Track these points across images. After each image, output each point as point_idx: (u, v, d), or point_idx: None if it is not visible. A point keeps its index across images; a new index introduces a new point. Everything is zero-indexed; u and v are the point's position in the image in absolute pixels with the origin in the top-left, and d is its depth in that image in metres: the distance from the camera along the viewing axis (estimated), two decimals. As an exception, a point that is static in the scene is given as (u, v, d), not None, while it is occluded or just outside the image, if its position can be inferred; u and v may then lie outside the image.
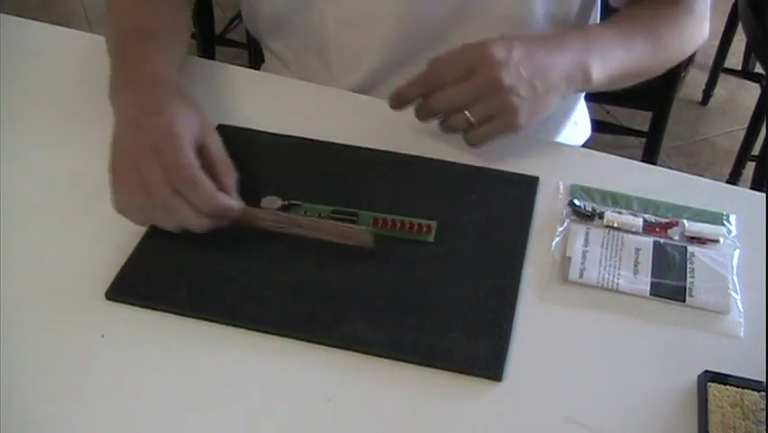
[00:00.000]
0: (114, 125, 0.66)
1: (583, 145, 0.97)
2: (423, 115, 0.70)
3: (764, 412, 0.54)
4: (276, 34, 0.90)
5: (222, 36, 1.89)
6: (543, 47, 0.69)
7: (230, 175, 0.64)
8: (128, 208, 0.62)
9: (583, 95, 0.95)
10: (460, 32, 0.80)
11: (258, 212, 0.64)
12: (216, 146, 0.65)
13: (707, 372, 0.57)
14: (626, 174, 0.69)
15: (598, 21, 0.89)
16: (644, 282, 0.63)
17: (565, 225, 0.67)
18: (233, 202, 0.62)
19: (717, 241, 0.66)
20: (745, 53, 2.04)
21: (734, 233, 0.67)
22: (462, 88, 0.66)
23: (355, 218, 0.66)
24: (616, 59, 0.73)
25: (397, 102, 0.70)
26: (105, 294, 0.61)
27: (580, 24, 0.78)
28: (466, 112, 0.66)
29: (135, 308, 0.60)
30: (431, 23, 0.80)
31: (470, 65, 0.66)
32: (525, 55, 0.67)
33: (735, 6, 1.75)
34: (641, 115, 1.30)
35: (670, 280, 0.63)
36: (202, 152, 0.63)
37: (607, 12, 0.87)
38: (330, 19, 0.82)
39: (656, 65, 0.78)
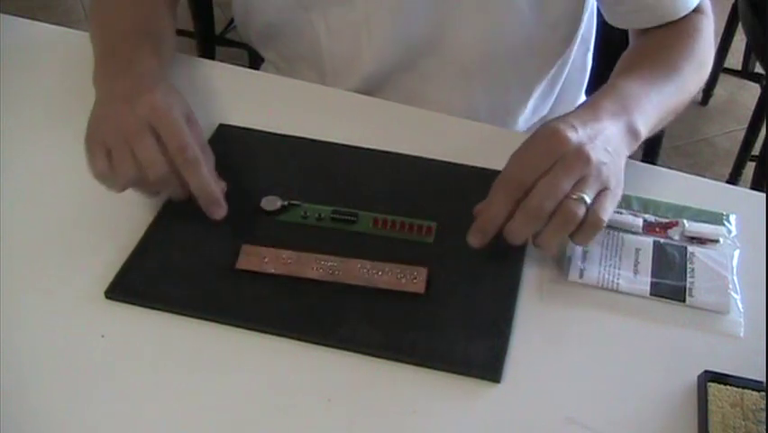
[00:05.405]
0: (96, 102, 0.67)
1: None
2: (527, 222, 0.59)
3: (764, 412, 0.54)
4: (269, 45, 0.90)
5: (222, 36, 1.89)
6: (590, 118, 0.64)
7: (210, 161, 0.65)
8: (112, 178, 0.63)
9: (583, 95, 0.95)
10: (450, 37, 0.80)
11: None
12: (198, 132, 0.66)
13: (707, 372, 0.57)
14: (626, 174, 0.68)
15: (593, 26, 0.89)
16: (644, 282, 0.63)
17: (565, 225, 0.67)
18: (222, 197, 0.63)
19: (717, 241, 0.66)
20: (745, 53, 2.04)
21: (734, 233, 0.67)
22: (560, 174, 0.59)
23: (355, 218, 0.66)
24: (652, 107, 0.69)
25: (489, 226, 0.60)
26: (105, 293, 0.61)
27: (612, 83, 0.71)
28: (574, 195, 0.58)
29: (135, 308, 0.60)
30: (421, 29, 0.80)
31: (552, 153, 0.59)
32: (589, 126, 0.62)
33: (735, 6, 1.75)
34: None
35: (670, 280, 0.63)
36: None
37: (603, 27, 0.86)
38: (321, 29, 0.82)
39: (685, 99, 0.75)
